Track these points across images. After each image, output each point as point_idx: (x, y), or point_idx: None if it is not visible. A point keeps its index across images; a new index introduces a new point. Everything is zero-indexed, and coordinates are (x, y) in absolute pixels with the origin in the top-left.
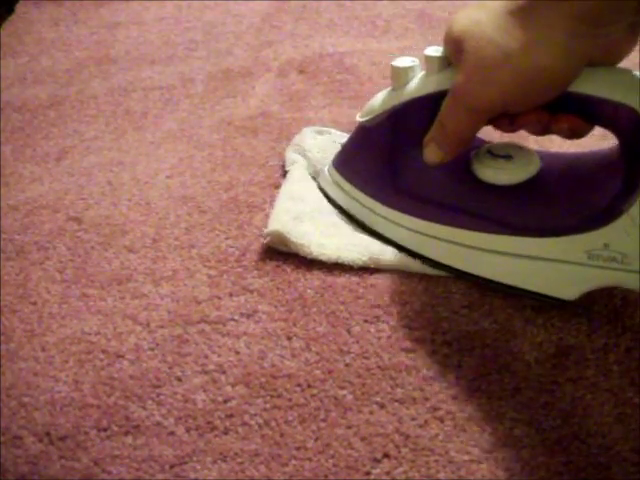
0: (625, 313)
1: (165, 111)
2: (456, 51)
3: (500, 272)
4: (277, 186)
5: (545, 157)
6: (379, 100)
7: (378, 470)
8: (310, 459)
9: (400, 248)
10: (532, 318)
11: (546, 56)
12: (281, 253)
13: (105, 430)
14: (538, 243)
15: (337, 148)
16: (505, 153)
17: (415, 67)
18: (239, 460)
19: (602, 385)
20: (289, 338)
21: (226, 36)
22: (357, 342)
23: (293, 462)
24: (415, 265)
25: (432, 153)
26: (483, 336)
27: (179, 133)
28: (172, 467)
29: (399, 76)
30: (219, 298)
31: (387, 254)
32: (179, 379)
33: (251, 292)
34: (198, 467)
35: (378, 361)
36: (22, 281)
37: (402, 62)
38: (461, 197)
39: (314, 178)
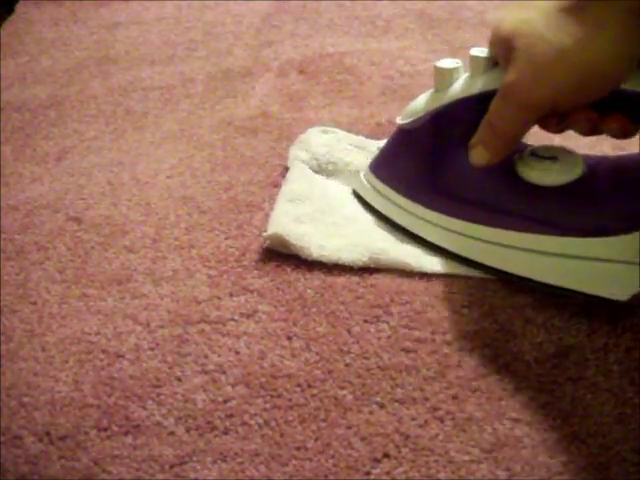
0: (625, 313)
1: (165, 111)
2: (505, 50)
3: (548, 273)
4: (277, 185)
5: (589, 159)
6: (421, 102)
7: (378, 470)
8: (310, 459)
9: (441, 251)
10: (532, 318)
11: (600, 52)
12: (281, 253)
13: (105, 430)
14: (587, 243)
15: (342, 146)
16: (550, 155)
17: (459, 68)
18: (239, 460)
19: (602, 385)
20: (289, 338)
21: (226, 36)
22: (357, 342)
23: (293, 462)
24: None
25: (479, 155)
26: (483, 336)
27: (179, 133)
28: (172, 467)
29: (443, 77)
30: (219, 298)
31: (388, 254)
32: (179, 379)
33: (251, 292)
34: (198, 467)
35: (378, 361)
36: (22, 281)
37: (446, 63)
38: (506, 198)
39: (317, 172)
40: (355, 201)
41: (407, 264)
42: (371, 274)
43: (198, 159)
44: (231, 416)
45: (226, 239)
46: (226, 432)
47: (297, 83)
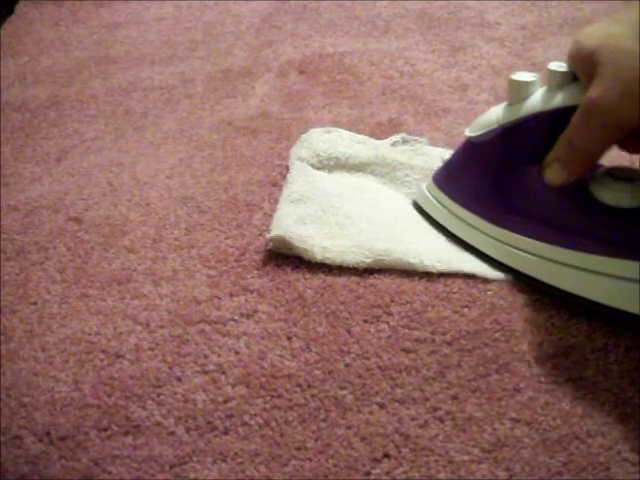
0: None
1: (165, 111)
2: (588, 65)
3: (622, 298)
4: (276, 185)
5: None
6: (493, 115)
7: (378, 470)
8: (310, 459)
9: (506, 268)
10: (532, 318)
11: None
12: (281, 253)
13: (105, 430)
14: None
15: (344, 142)
16: (626, 176)
17: (535, 82)
18: (239, 460)
19: (602, 385)
20: (289, 338)
21: (226, 36)
22: (357, 342)
23: (293, 462)
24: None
25: (555, 173)
26: (483, 336)
27: (179, 133)
28: (172, 467)
29: (518, 90)
30: (219, 298)
31: (391, 254)
32: (179, 379)
33: (251, 292)
34: (198, 467)
35: (378, 361)
36: (22, 281)
37: (522, 76)
38: (579, 219)
39: (319, 169)
40: (358, 197)
41: (410, 264)
42: (371, 274)
43: (198, 159)
44: (231, 416)
45: (226, 239)
46: (226, 432)
47: (297, 83)
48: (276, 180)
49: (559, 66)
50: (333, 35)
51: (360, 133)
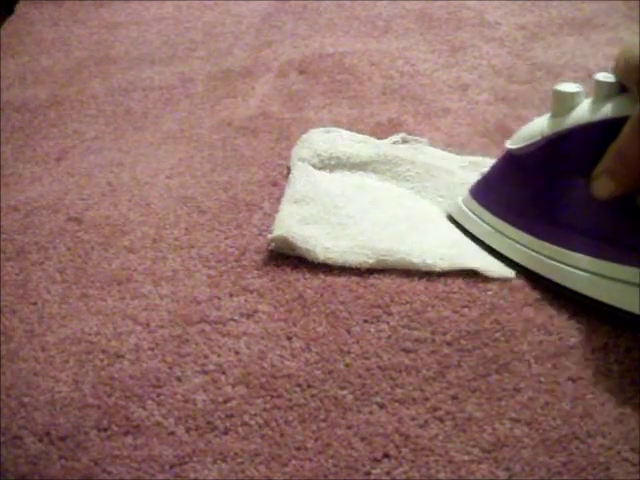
0: None
1: (165, 111)
2: None
3: None
4: (276, 185)
5: None
6: (536, 127)
7: (378, 470)
8: (310, 459)
9: (551, 283)
10: (532, 318)
11: None
12: (281, 253)
13: (105, 430)
14: None
15: (345, 142)
16: None
17: (580, 93)
18: (239, 460)
19: (602, 385)
20: (289, 338)
21: (226, 36)
22: (357, 342)
23: (293, 462)
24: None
25: (604, 186)
26: (483, 336)
27: (179, 133)
28: (172, 467)
29: (564, 101)
30: (219, 298)
31: (394, 254)
32: (179, 379)
33: (251, 292)
34: (198, 467)
35: (378, 361)
36: (22, 281)
37: (567, 87)
38: (627, 233)
39: (320, 169)
40: (361, 196)
41: (413, 264)
42: (371, 274)
43: (198, 159)
44: (231, 416)
45: (226, 239)
46: (226, 432)
47: (297, 83)
48: (276, 180)
49: (606, 77)
50: (333, 35)
51: (360, 133)
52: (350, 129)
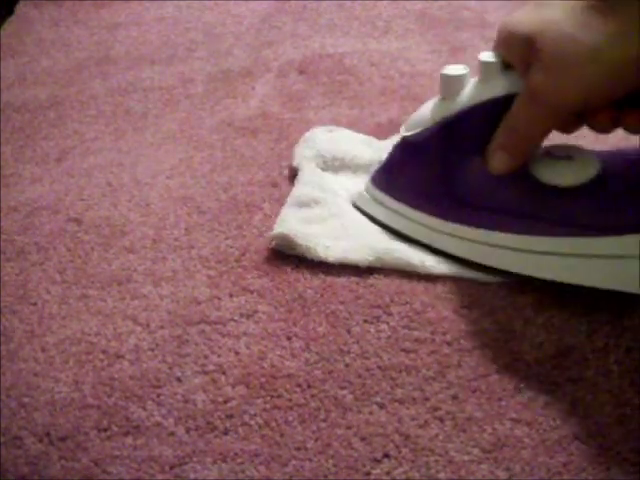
0: (625, 313)
1: (165, 111)
2: (526, 52)
3: (566, 273)
4: (276, 185)
5: (601, 155)
6: (427, 112)
7: (378, 470)
8: (310, 459)
9: (461, 261)
10: (532, 318)
11: (632, 48)
12: (281, 253)
13: (105, 430)
14: (605, 242)
15: (349, 142)
16: (565, 154)
17: (467, 74)
18: (239, 460)
19: (602, 385)
20: (289, 338)
21: (226, 36)
22: (357, 342)
23: (293, 462)
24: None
25: (500, 161)
26: (483, 336)
27: (179, 134)
28: (172, 467)
29: (451, 85)
30: (219, 298)
31: (393, 254)
32: (179, 379)
33: (251, 292)
34: (198, 467)
35: (378, 361)
36: (22, 282)
37: (453, 70)
38: (525, 202)
39: (323, 170)
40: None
41: (412, 265)
42: (371, 274)
43: (198, 159)
44: (231, 416)
45: (226, 239)
46: (226, 432)
47: (297, 83)
48: (276, 180)
49: (490, 56)
50: (333, 35)
51: (360, 133)
52: (350, 129)
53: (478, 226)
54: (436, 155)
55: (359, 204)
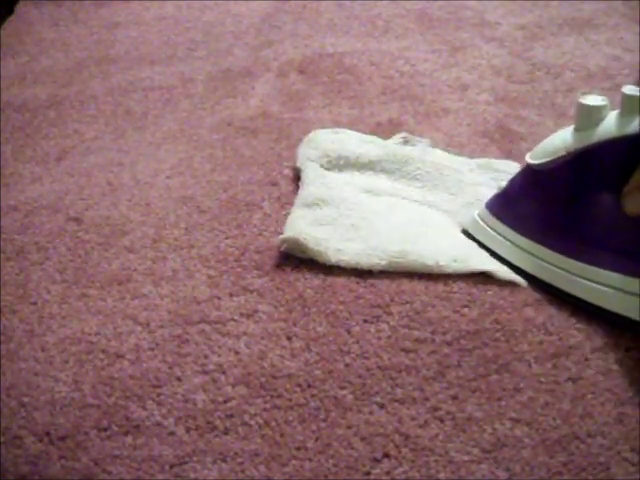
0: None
1: (165, 111)
2: None
3: None
4: (276, 184)
5: None
6: (559, 141)
7: (378, 470)
8: (310, 459)
9: (577, 300)
10: (532, 318)
11: None
12: (281, 253)
13: (105, 430)
14: None
15: (353, 141)
16: None
17: (606, 106)
18: (239, 460)
19: (602, 385)
20: (289, 338)
21: (226, 36)
22: (357, 342)
23: (293, 462)
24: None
25: (637, 202)
26: (483, 336)
27: (179, 133)
28: (172, 467)
29: (589, 115)
30: (219, 298)
31: (406, 256)
32: (179, 379)
33: (251, 292)
34: (198, 467)
35: (378, 361)
36: (22, 281)
37: (593, 100)
38: None
39: (328, 169)
40: (374, 200)
41: (427, 266)
42: (371, 274)
43: (198, 159)
44: (231, 416)
45: (226, 239)
46: (226, 432)
47: (297, 83)
48: (276, 180)
49: (633, 90)
50: (333, 35)
51: (361, 133)
52: (350, 129)
53: (602, 266)
54: (565, 187)
55: (471, 230)
